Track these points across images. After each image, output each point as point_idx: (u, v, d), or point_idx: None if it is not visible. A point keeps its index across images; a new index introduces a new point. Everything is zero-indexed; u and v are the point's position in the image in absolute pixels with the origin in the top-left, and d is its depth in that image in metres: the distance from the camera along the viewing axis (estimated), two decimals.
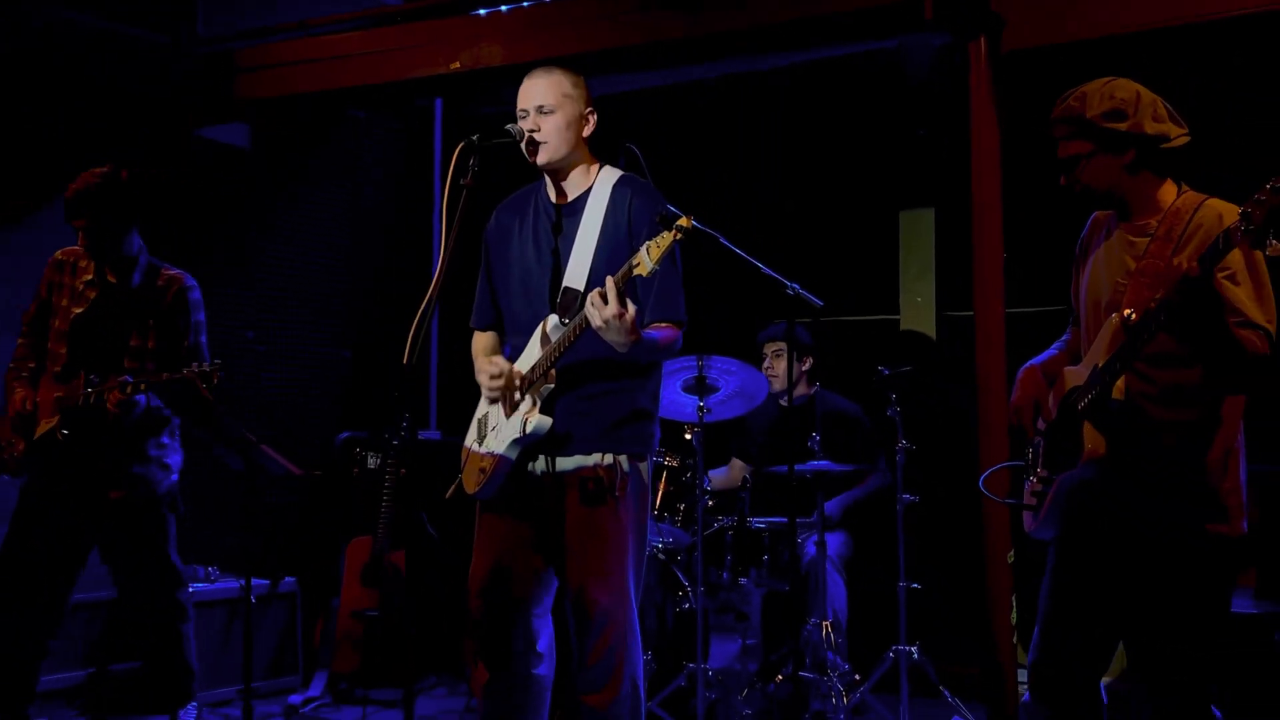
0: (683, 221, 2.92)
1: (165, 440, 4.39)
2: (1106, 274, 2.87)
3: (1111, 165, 2.80)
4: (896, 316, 5.84)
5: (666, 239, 2.92)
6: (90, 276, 4.31)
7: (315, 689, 5.23)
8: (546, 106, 3.29)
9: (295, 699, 5.14)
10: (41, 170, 5.05)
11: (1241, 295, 2.62)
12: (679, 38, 4.39)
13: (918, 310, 5.76)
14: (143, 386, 4.04)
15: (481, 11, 4.79)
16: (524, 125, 3.29)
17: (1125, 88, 2.80)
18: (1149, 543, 2.76)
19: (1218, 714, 2.77)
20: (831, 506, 4.93)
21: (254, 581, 5.33)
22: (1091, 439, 2.71)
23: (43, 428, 4.19)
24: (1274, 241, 2.28)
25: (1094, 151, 2.80)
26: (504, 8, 4.64)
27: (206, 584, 5.28)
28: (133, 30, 5.42)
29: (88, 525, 4.32)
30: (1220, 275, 2.56)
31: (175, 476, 4.44)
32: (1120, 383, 2.67)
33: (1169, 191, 2.83)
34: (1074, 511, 2.83)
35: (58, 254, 4.40)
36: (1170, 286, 2.50)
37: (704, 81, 5.90)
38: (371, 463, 5.57)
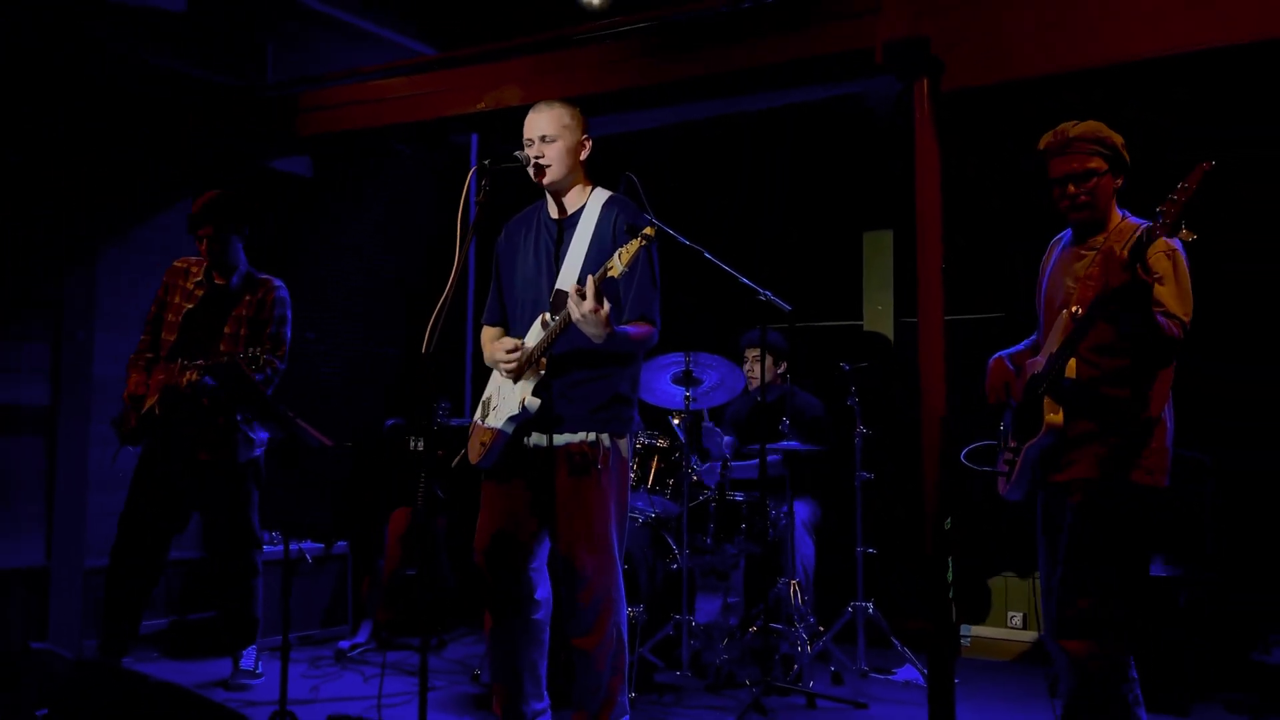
0: (647, 230, 2.98)
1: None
2: (1060, 282, 3.04)
3: (1112, 186, 2.99)
4: (860, 322, 5.81)
5: (634, 245, 2.97)
6: (200, 278, 4.47)
7: (361, 636, 5.23)
8: (549, 135, 3.32)
9: (344, 644, 5.15)
10: (150, 187, 5.21)
11: (1166, 293, 2.80)
12: (671, 80, 4.36)
13: (878, 317, 5.72)
14: (215, 359, 4.16)
15: (507, 59, 4.79)
16: (530, 152, 3.31)
17: None
18: (1088, 489, 2.90)
19: (1134, 675, 2.80)
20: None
21: (310, 545, 5.43)
22: (1050, 412, 2.87)
23: (147, 404, 4.31)
24: (1184, 232, 2.48)
25: (1107, 171, 2.96)
26: (516, 57, 4.64)
27: (270, 546, 5.27)
28: (215, 77, 5.46)
29: (185, 486, 4.39)
30: (1152, 278, 2.68)
31: (259, 451, 4.51)
32: (1071, 364, 2.85)
33: (1116, 216, 3.02)
34: (1040, 473, 2.97)
35: (177, 262, 4.57)
36: (1108, 274, 2.68)
37: (699, 122, 5.88)
38: (416, 444, 5.57)
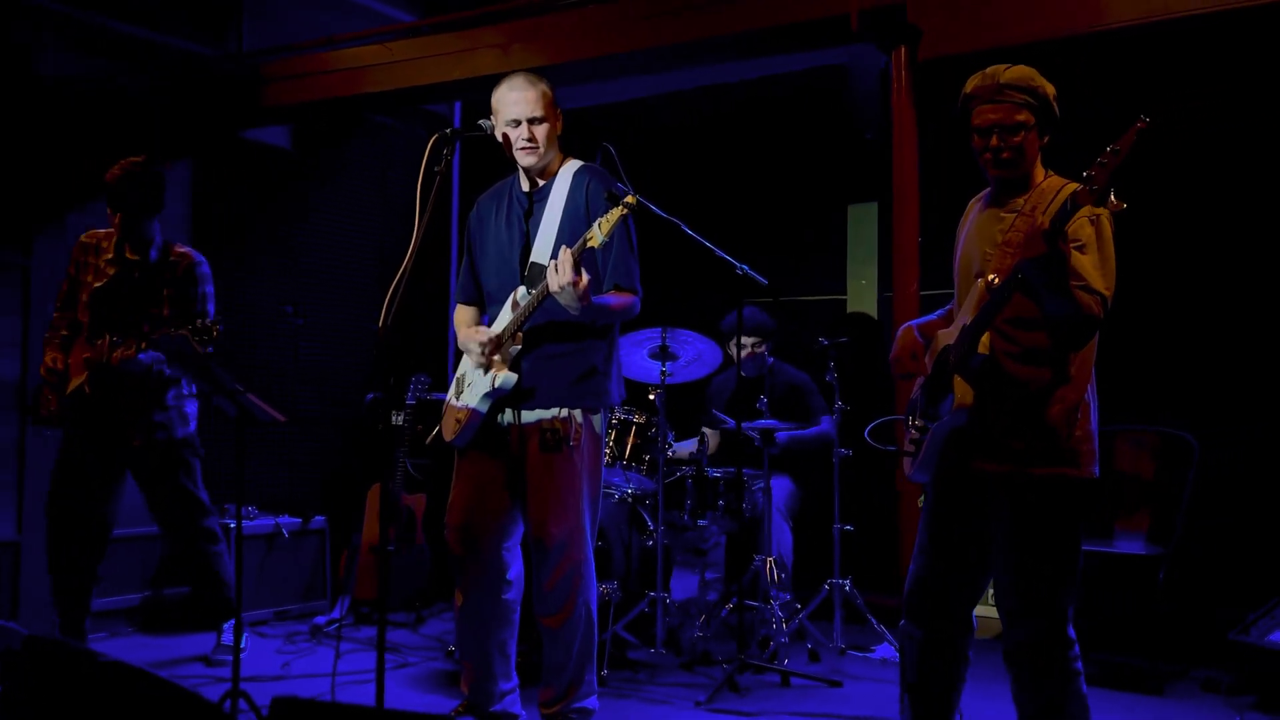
0: (629, 199, 2.90)
1: (185, 391, 4.35)
2: (977, 246, 2.77)
3: (1037, 142, 2.69)
4: (844, 297, 5.74)
5: (615, 214, 2.90)
6: (111, 255, 4.27)
7: (338, 611, 5.18)
8: (538, 117, 3.25)
9: (321, 620, 5.10)
10: (121, 154, 4.88)
11: (1087, 264, 2.53)
12: (650, 47, 4.30)
13: (862, 291, 5.65)
14: (144, 345, 4.00)
15: (488, 26, 4.71)
16: (518, 134, 3.23)
17: None
18: (1007, 482, 2.67)
19: (1073, 634, 2.67)
20: (781, 436, 4.82)
21: (288, 519, 5.39)
22: (961, 390, 2.62)
23: (73, 384, 4.16)
24: (1113, 200, 2.21)
25: (1035, 125, 2.66)
26: (492, 25, 4.57)
27: (247, 521, 5.24)
28: (187, 45, 5.38)
29: (115, 469, 4.28)
30: (1072, 246, 2.46)
31: (193, 425, 4.39)
32: (985, 339, 2.59)
33: (1039, 173, 2.74)
34: (947, 454, 2.73)
35: (83, 236, 4.36)
36: (1027, 244, 2.41)
37: (680, 93, 5.81)
38: (396, 419, 5.51)
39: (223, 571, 4.45)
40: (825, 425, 4.97)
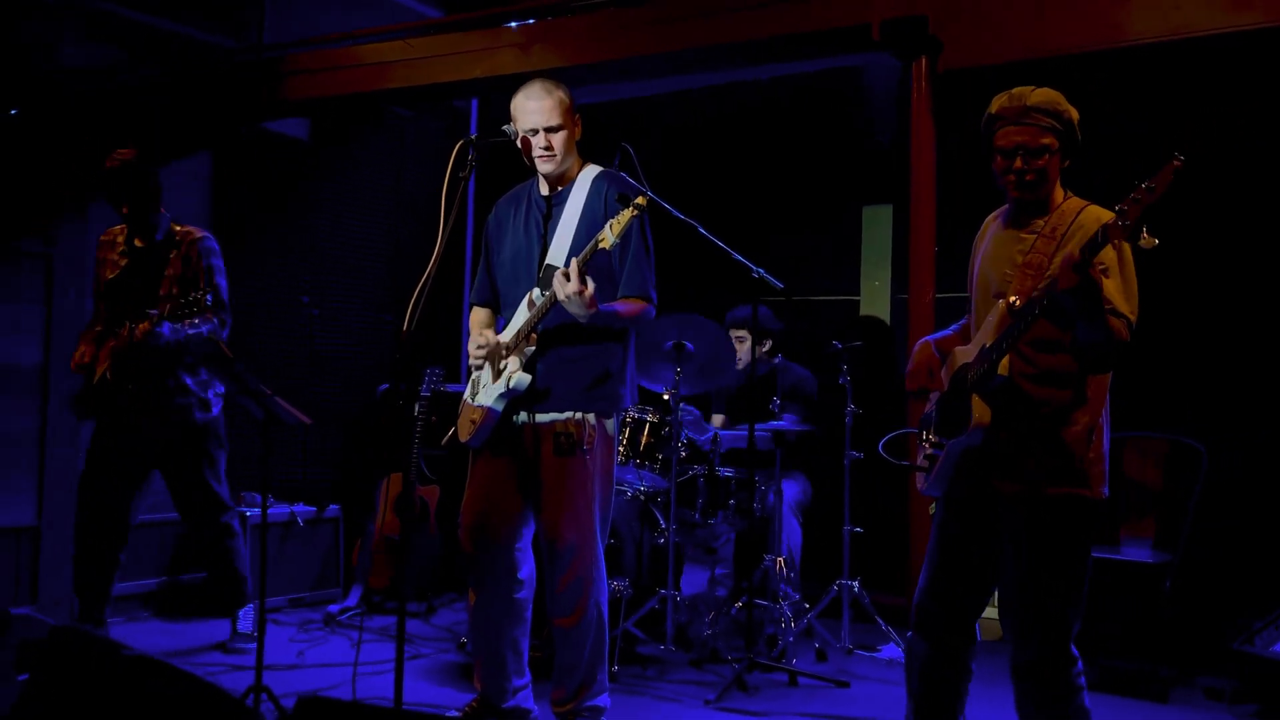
0: (639, 200, 2.92)
1: (204, 376, 4.37)
2: (995, 266, 2.78)
3: (1058, 165, 2.70)
4: (857, 298, 5.75)
5: (626, 216, 2.92)
6: (123, 248, 4.35)
7: (352, 600, 5.24)
8: (554, 125, 3.25)
9: (334, 608, 5.15)
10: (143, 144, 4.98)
11: (1111, 287, 2.53)
12: (668, 51, 4.31)
13: (875, 293, 5.67)
14: (165, 310, 4.02)
15: (509, 25, 4.73)
16: (536, 141, 3.24)
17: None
18: (1020, 501, 2.69)
19: (1075, 651, 2.70)
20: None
21: (302, 508, 5.43)
22: (979, 410, 2.64)
23: (99, 374, 4.22)
24: (1146, 236, 2.22)
25: (1058, 149, 2.67)
26: (513, 24, 4.58)
27: (260, 509, 5.27)
28: (209, 36, 5.40)
29: (140, 450, 4.33)
30: (1095, 269, 2.47)
31: (216, 411, 4.42)
32: (1005, 361, 2.61)
33: (1059, 195, 2.75)
34: (962, 471, 2.76)
35: (103, 235, 4.44)
36: (1056, 271, 2.42)
37: (695, 91, 5.81)
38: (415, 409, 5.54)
39: (240, 565, 4.54)
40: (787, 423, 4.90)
